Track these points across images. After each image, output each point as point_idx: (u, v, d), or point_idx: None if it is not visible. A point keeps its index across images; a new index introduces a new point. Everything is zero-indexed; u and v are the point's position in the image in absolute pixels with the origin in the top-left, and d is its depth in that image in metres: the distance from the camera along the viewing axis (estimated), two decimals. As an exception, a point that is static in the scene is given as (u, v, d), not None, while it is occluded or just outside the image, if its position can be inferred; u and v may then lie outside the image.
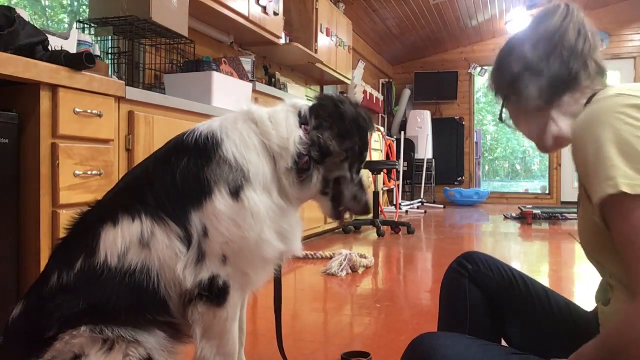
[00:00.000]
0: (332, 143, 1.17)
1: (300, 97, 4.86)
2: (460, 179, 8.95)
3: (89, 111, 1.94)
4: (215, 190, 1.05)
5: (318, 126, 1.18)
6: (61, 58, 1.83)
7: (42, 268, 1.10)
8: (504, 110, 1.08)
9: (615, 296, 0.88)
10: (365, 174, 6.26)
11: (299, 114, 1.20)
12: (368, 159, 1.31)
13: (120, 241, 1.03)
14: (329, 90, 6.46)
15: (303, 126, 1.18)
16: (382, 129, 6.97)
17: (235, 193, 1.06)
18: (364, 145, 1.25)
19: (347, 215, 1.28)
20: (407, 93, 8.97)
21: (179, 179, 1.07)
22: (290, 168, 1.14)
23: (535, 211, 6.20)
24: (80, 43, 2.40)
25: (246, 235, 1.06)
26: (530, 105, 1.00)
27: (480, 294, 1.17)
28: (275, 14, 4.17)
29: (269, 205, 1.10)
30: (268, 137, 1.14)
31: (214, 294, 1.06)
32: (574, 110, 0.97)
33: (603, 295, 0.92)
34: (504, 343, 1.18)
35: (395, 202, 6.72)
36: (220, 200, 1.05)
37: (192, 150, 1.10)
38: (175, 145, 1.14)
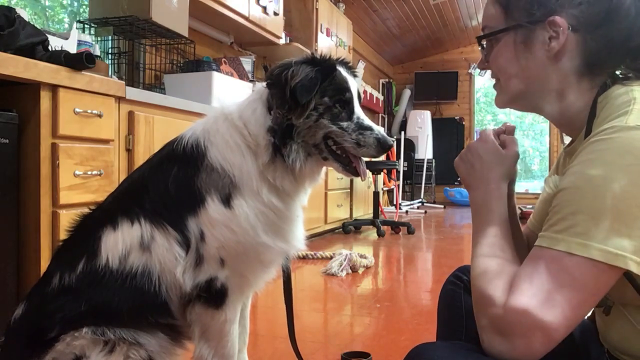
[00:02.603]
0: (287, 113, 1.07)
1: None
2: (460, 179, 8.94)
3: (89, 111, 1.94)
4: (207, 198, 1.06)
5: (278, 104, 1.09)
6: (61, 58, 1.83)
7: (42, 268, 1.10)
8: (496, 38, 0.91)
9: (615, 312, 0.88)
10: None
11: (267, 100, 1.12)
12: (367, 159, 1.24)
13: (121, 244, 1.04)
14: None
15: (272, 111, 1.11)
16: (382, 129, 6.97)
17: (226, 200, 1.06)
18: (336, 90, 1.11)
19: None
20: (407, 93, 8.97)
21: (171, 188, 1.07)
22: (268, 162, 1.09)
23: (535, 211, 6.20)
24: (80, 43, 2.40)
25: (241, 240, 1.06)
26: (547, 53, 0.84)
27: None
28: (275, 14, 4.17)
29: (260, 209, 1.08)
30: (244, 137, 1.11)
31: (212, 295, 1.06)
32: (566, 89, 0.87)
33: (602, 301, 0.92)
34: None
35: (395, 202, 6.72)
36: (213, 208, 1.05)
37: (181, 160, 1.10)
38: (167, 153, 1.14)
